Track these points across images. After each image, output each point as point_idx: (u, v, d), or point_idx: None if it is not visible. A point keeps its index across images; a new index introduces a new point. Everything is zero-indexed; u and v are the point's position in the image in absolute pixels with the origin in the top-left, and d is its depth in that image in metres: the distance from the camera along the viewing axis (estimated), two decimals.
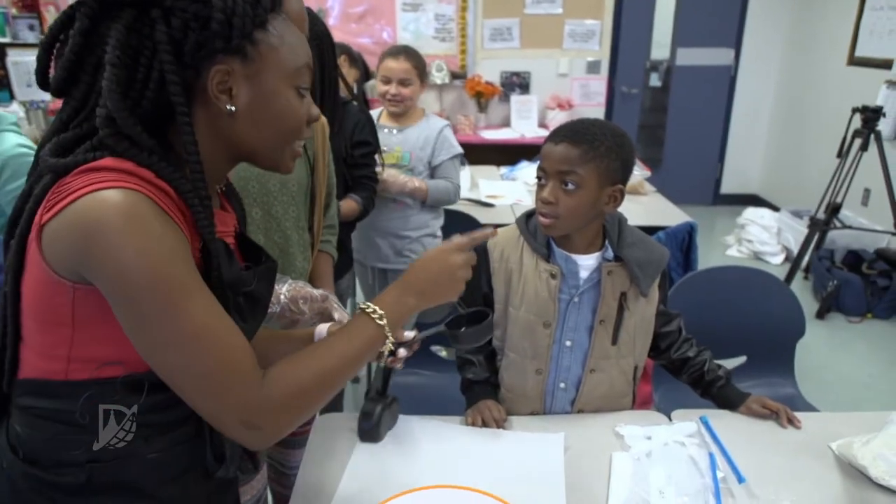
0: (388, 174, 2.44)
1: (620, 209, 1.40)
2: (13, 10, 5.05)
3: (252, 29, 0.80)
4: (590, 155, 1.30)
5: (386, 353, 0.95)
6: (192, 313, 0.76)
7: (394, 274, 2.55)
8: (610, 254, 1.40)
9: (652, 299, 1.44)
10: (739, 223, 4.96)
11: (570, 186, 1.31)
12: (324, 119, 1.61)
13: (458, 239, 1.02)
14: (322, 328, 1.16)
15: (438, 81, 5.25)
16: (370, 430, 1.31)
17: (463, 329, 1.14)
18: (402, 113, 2.51)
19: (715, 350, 1.55)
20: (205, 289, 0.79)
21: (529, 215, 1.46)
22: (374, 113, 2.57)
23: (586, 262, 1.40)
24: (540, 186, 1.36)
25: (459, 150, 2.56)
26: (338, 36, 5.53)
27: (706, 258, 4.63)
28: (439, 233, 2.66)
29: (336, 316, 1.26)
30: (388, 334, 0.93)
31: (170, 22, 0.76)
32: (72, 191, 0.72)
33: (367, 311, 0.93)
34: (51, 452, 0.85)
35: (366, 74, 2.69)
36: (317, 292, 1.28)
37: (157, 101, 0.78)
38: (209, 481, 0.95)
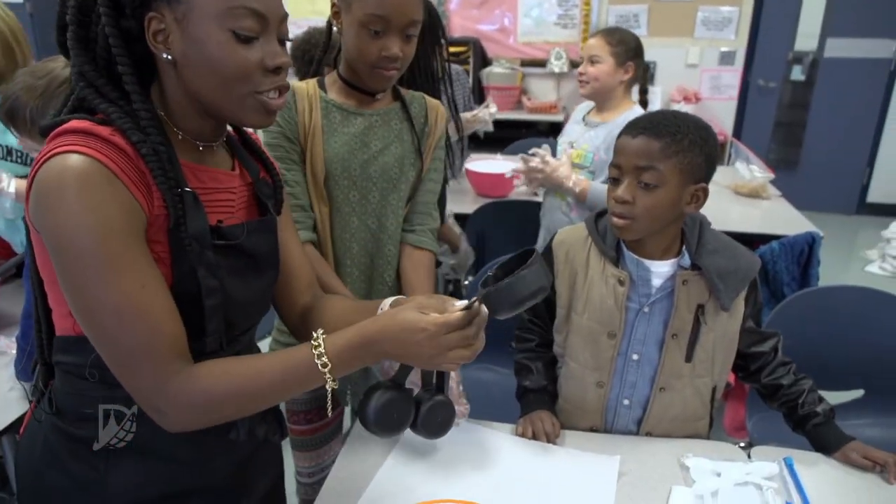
0: (551, 164, 2.15)
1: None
2: None
3: None
4: (672, 149, 1.15)
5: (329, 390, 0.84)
6: (119, 289, 0.75)
7: None
8: (687, 261, 1.24)
9: (736, 314, 1.26)
10: (885, 237, 4.40)
11: (649, 184, 1.16)
12: (440, 106, 1.45)
13: (456, 315, 0.84)
14: (386, 302, 1.00)
15: (556, 70, 5.09)
16: (375, 420, 0.98)
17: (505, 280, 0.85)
18: (592, 96, 2.20)
19: (827, 379, 1.34)
20: (142, 267, 0.77)
21: (600, 215, 1.32)
22: (584, 107, 2.32)
23: (660, 269, 1.24)
24: (613, 183, 1.23)
25: None
26: (457, 22, 5.48)
27: (841, 274, 4.18)
28: None
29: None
30: (328, 379, 0.83)
31: None
32: (42, 156, 0.74)
33: (316, 347, 0.83)
34: (72, 406, 0.89)
35: (483, 61, 2.49)
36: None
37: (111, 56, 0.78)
38: (231, 444, 0.96)
